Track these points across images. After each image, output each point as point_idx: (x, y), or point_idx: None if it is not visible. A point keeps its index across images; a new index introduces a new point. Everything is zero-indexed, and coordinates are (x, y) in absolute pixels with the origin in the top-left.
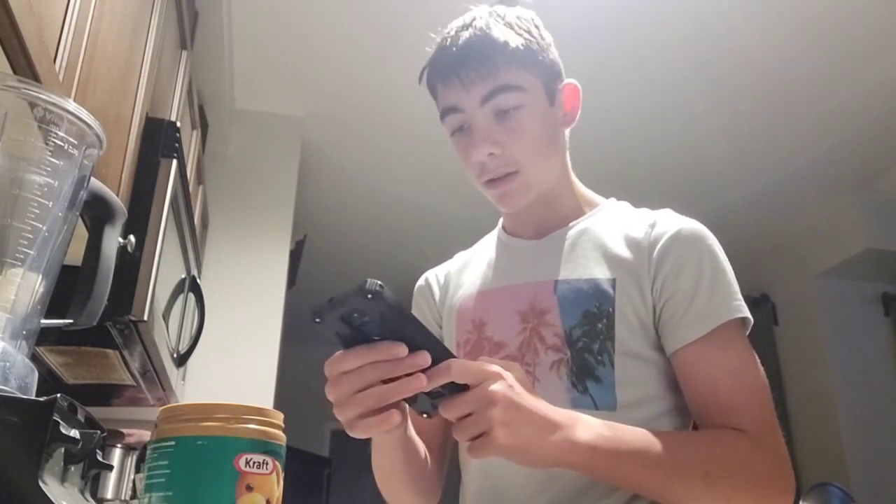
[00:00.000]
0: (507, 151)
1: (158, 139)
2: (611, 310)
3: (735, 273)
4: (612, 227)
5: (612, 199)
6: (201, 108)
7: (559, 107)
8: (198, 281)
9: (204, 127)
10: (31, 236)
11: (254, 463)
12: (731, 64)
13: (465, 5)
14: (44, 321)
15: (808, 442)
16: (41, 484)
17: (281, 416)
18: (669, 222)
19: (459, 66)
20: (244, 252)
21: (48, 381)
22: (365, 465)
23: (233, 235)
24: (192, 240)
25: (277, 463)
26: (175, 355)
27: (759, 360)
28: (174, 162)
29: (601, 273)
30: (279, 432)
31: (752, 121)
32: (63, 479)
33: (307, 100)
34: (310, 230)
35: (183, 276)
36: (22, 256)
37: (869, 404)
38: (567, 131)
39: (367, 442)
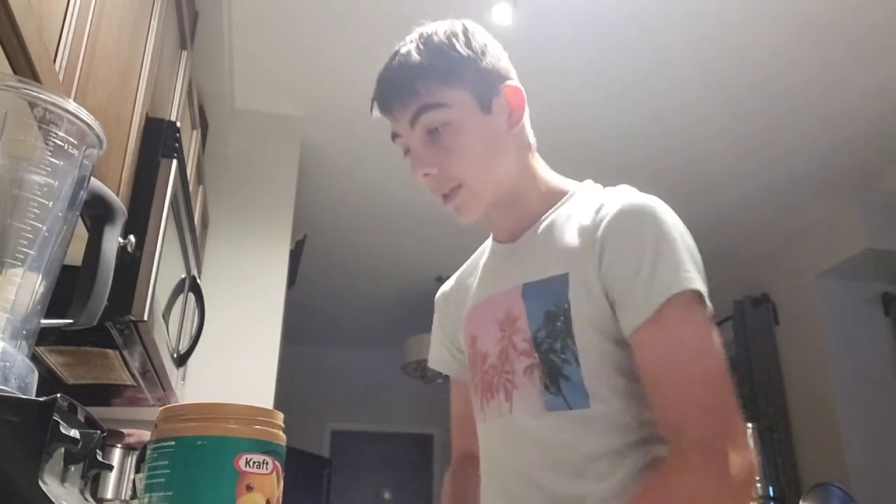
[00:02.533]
0: (444, 169)
1: (158, 139)
2: (566, 306)
3: (735, 273)
4: (571, 218)
5: (587, 183)
6: (201, 108)
7: (500, 111)
8: (198, 281)
9: (204, 127)
10: (31, 236)
11: (254, 463)
12: (731, 64)
13: (466, 6)
14: (44, 321)
15: (808, 442)
16: (41, 484)
17: (281, 416)
18: (614, 202)
19: (386, 96)
20: (244, 252)
21: (48, 381)
22: (365, 465)
23: (233, 235)
24: (192, 240)
25: (277, 463)
26: (175, 355)
27: (713, 339)
28: (174, 162)
29: (556, 269)
30: (279, 432)
31: (753, 121)
32: (63, 479)
33: (307, 100)
34: (310, 230)
35: (183, 276)
36: (22, 256)
37: (869, 404)
38: (522, 129)
39: (367, 442)
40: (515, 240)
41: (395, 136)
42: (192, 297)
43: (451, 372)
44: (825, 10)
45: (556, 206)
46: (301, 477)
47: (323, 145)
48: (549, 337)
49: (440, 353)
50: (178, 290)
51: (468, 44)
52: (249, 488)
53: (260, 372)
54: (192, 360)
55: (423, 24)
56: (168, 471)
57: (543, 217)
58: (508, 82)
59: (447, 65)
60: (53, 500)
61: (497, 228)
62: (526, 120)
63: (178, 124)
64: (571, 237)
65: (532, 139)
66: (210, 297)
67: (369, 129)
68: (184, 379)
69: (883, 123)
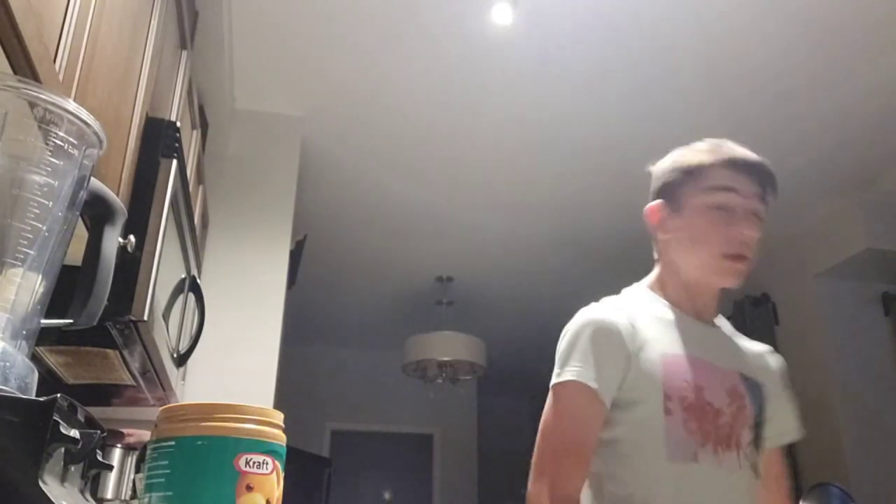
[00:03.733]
0: (756, 241)
1: (158, 139)
2: (764, 408)
3: None
4: (738, 339)
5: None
6: (201, 108)
7: None
8: (198, 281)
9: (204, 127)
10: (31, 236)
11: (254, 463)
12: (731, 64)
13: (466, 8)
14: (44, 321)
15: (808, 442)
16: (41, 484)
17: (281, 416)
18: (778, 356)
19: (768, 177)
20: (244, 252)
21: (48, 381)
22: (365, 465)
23: (233, 235)
24: (192, 240)
25: (277, 463)
26: (175, 355)
27: (549, 414)
28: (174, 162)
29: (756, 377)
30: (279, 432)
31: (752, 120)
32: (63, 479)
33: (307, 100)
34: (310, 230)
35: (183, 276)
36: (22, 256)
37: (869, 404)
38: None
39: (367, 442)
40: (699, 320)
41: (737, 194)
42: (192, 297)
43: (610, 395)
44: (825, 11)
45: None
46: (301, 477)
47: (323, 145)
48: (760, 426)
49: (613, 376)
50: (178, 290)
51: None
52: (249, 488)
53: (260, 372)
54: (192, 360)
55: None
56: (168, 471)
57: (716, 318)
58: None
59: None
60: (53, 500)
61: (687, 300)
62: None
63: (178, 124)
64: (754, 354)
65: None
66: (210, 297)
67: (369, 128)
68: (184, 379)
69: (883, 123)
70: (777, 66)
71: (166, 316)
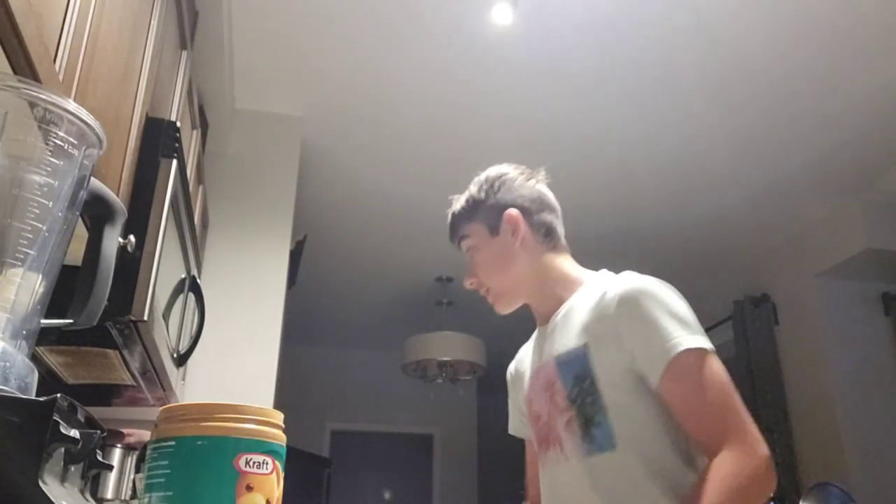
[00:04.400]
0: (478, 278)
1: (158, 139)
2: (590, 367)
3: (735, 273)
4: (584, 302)
5: (602, 272)
6: (201, 108)
7: (506, 231)
8: (198, 281)
9: (204, 127)
10: (31, 236)
11: (254, 463)
12: (730, 63)
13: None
14: (44, 321)
15: (808, 442)
16: (41, 484)
17: (281, 416)
18: (615, 289)
19: (449, 230)
20: (244, 252)
21: (48, 381)
22: (365, 465)
23: (233, 235)
24: (192, 240)
25: (277, 463)
26: (175, 355)
27: (717, 376)
28: (174, 162)
29: (577, 342)
30: (279, 432)
31: (752, 121)
32: (63, 479)
33: (307, 100)
34: (310, 230)
35: (183, 276)
36: (22, 256)
37: (869, 404)
38: (528, 238)
39: (367, 442)
40: (548, 323)
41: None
42: (192, 297)
43: (525, 436)
44: (825, 11)
45: (574, 294)
46: (301, 477)
47: (323, 145)
48: (580, 395)
49: (516, 421)
50: (178, 290)
51: (484, 189)
52: (249, 488)
53: (260, 372)
54: (192, 360)
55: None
56: (168, 471)
57: (564, 304)
58: (509, 210)
59: (471, 207)
60: (53, 500)
61: (537, 314)
62: (533, 228)
63: (178, 124)
64: (586, 316)
65: (546, 241)
66: (210, 297)
67: (370, 129)
68: (184, 379)
69: (883, 123)
70: (777, 67)
71: (166, 316)
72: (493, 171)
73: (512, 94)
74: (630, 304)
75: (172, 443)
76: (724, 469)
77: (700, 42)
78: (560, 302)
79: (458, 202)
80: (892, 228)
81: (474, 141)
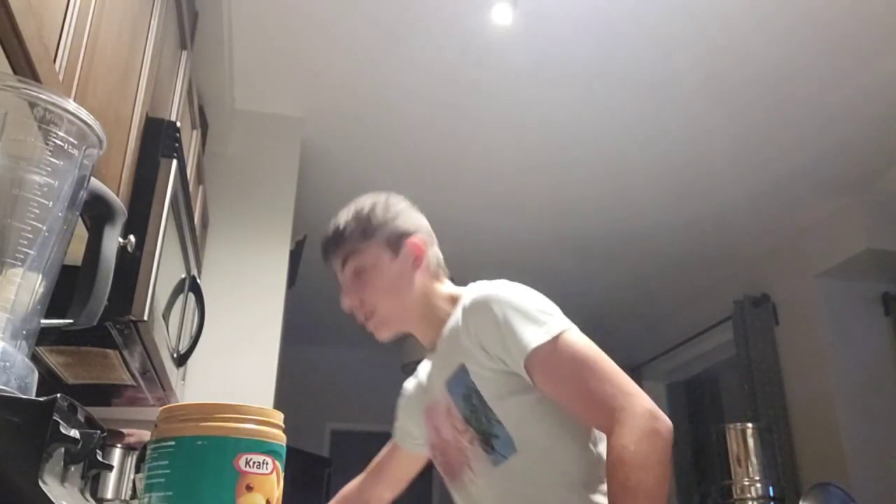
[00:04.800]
0: (363, 300)
1: (158, 139)
2: (473, 385)
3: (735, 273)
4: (454, 322)
5: (469, 287)
6: (201, 108)
7: (407, 255)
8: (198, 281)
9: (204, 127)
10: (31, 236)
11: (254, 463)
12: (730, 63)
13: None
14: (44, 321)
15: (808, 442)
16: (41, 484)
17: (281, 416)
18: (467, 303)
19: (324, 249)
20: (244, 252)
21: (48, 381)
22: (365, 465)
23: (233, 235)
24: (192, 240)
25: (277, 463)
26: (175, 355)
27: (573, 359)
28: (174, 162)
29: (456, 363)
30: (279, 432)
31: (752, 120)
32: (63, 479)
33: (307, 100)
34: (310, 230)
35: (183, 276)
36: (22, 256)
37: (869, 404)
38: (426, 267)
39: (367, 442)
40: (433, 350)
41: (335, 273)
42: (192, 297)
43: (403, 443)
44: (825, 10)
45: (451, 315)
46: (301, 477)
47: (323, 145)
48: (473, 413)
49: (401, 429)
50: (178, 290)
51: (380, 211)
52: (249, 488)
53: (260, 372)
54: (192, 360)
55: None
56: (168, 471)
57: (445, 326)
58: (413, 237)
59: (363, 229)
60: (53, 500)
61: (425, 341)
62: (429, 258)
63: (178, 124)
64: (456, 335)
65: (436, 270)
66: (210, 297)
67: (370, 128)
68: (184, 379)
69: (883, 123)
70: (777, 67)
71: (166, 316)
72: (381, 197)
73: (511, 95)
74: (480, 314)
75: (172, 443)
76: (617, 446)
77: (700, 42)
78: (443, 324)
79: (346, 218)
80: (892, 228)
81: (474, 141)
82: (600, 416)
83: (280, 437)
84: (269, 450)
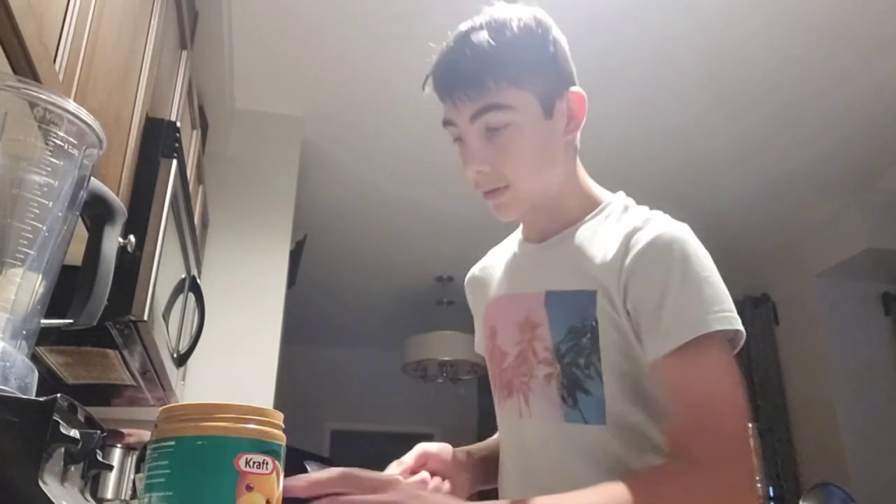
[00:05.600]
0: (497, 168)
1: (158, 139)
2: (594, 324)
3: (735, 273)
4: (602, 235)
5: (619, 196)
6: (201, 108)
7: (560, 117)
8: (198, 281)
9: (204, 127)
10: (31, 236)
11: (254, 463)
12: (730, 63)
13: (468, 6)
14: (44, 321)
15: (808, 442)
16: (41, 484)
17: (281, 416)
18: (647, 231)
19: (450, 85)
20: (244, 252)
21: (48, 381)
22: (365, 465)
23: (233, 235)
24: (192, 240)
25: (277, 463)
26: (175, 355)
27: (733, 380)
28: (174, 162)
29: (584, 285)
30: (279, 432)
31: (752, 120)
32: (63, 479)
33: (307, 99)
34: (310, 230)
35: (183, 276)
36: (22, 256)
37: (869, 404)
38: (575, 136)
39: (367, 442)
40: (544, 241)
41: (447, 122)
42: (192, 297)
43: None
44: (825, 10)
45: (590, 216)
46: None
47: (323, 145)
48: (572, 350)
49: (481, 337)
50: (178, 290)
51: (543, 43)
52: (249, 488)
53: (260, 372)
54: (192, 360)
55: (492, 6)
56: (168, 471)
57: (575, 226)
58: (573, 88)
59: (518, 64)
60: (53, 500)
61: (530, 226)
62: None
63: (178, 124)
64: (602, 255)
65: (578, 142)
66: (210, 297)
67: (370, 128)
68: (184, 379)
69: (883, 123)
70: (777, 66)
71: (166, 316)
72: (538, 17)
73: None
74: (661, 252)
75: (172, 443)
76: (677, 488)
77: (700, 43)
78: (567, 223)
79: (491, 44)
80: (892, 228)
81: None
82: (694, 441)
83: (280, 437)
84: (269, 450)
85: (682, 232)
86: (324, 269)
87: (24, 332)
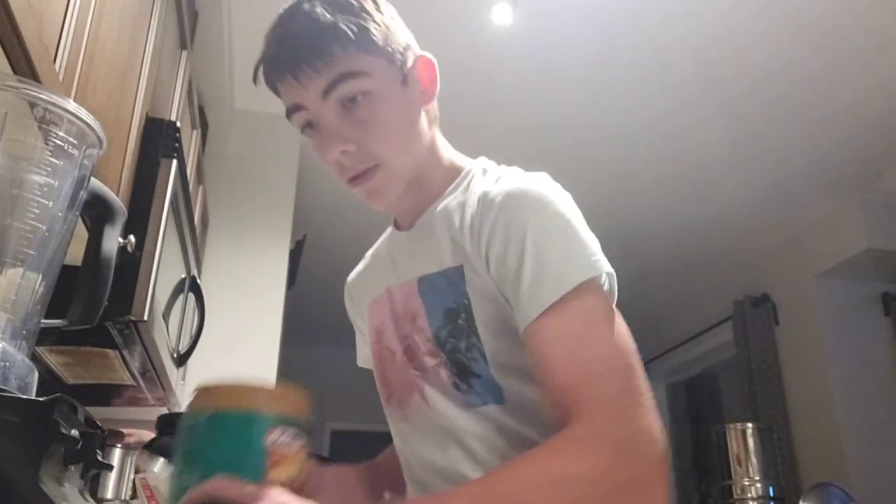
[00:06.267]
0: (363, 145)
1: (158, 139)
2: (466, 302)
3: (735, 273)
4: (462, 204)
5: (480, 160)
6: (201, 108)
7: (415, 84)
8: (198, 281)
9: (204, 127)
10: (31, 236)
11: (283, 439)
12: (731, 64)
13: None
14: (44, 321)
15: (808, 442)
16: (41, 484)
17: (308, 398)
18: (498, 189)
19: (291, 62)
20: (244, 252)
21: (48, 381)
22: None
23: (233, 235)
24: (192, 240)
25: (304, 440)
26: (175, 355)
27: (610, 326)
28: (174, 162)
29: (451, 261)
30: (305, 413)
31: (753, 121)
32: (63, 479)
33: None
34: (310, 230)
35: (183, 276)
36: (22, 256)
37: (869, 404)
38: (432, 105)
39: (367, 442)
40: (413, 226)
41: (296, 108)
42: (192, 297)
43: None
44: (825, 10)
45: (451, 188)
46: None
47: None
48: (452, 336)
49: (367, 349)
50: (178, 290)
51: (378, 5)
52: (278, 463)
53: (260, 372)
54: (192, 360)
55: None
56: (199, 444)
57: (438, 201)
58: (421, 53)
59: (366, 28)
60: (53, 500)
61: (401, 213)
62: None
63: (178, 124)
64: (462, 225)
65: (437, 112)
66: (210, 297)
67: None
68: (184, 379)
69: (883, 123)
70: (777, 67)
71: (166, 316)
72: None
73: (511, 95)
74: (515, 209)
75: (205, 417)
76: (567, 457)
77: (699, 42)
78: (432, 199)
79: (328, 12)
80: (892, 228)
81: (473, 141)
82: (579, 395)
83: (308, 416)
84: (297, 426)
85: (534, 183)
86: (324, 269)
87: (24, 332)
